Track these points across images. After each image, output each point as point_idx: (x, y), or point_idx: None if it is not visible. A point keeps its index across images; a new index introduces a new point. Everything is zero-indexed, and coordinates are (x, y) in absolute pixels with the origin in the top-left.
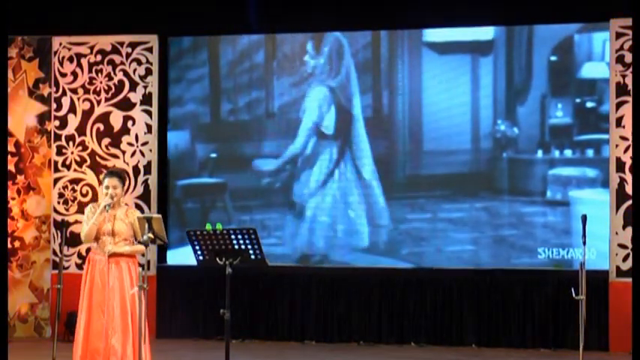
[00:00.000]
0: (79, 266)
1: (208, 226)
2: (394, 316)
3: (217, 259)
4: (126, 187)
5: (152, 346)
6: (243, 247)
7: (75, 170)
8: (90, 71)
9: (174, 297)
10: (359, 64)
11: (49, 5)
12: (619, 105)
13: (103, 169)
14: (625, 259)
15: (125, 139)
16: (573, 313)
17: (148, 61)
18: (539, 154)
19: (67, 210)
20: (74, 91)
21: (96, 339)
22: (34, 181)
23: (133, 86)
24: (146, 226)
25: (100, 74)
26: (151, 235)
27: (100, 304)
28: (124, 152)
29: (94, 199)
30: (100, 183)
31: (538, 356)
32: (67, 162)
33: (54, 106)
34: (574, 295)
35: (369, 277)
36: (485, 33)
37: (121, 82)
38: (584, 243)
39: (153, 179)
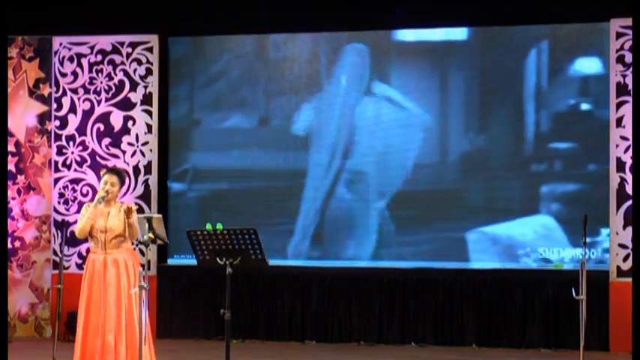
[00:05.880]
0: (80, 266)
1: (208, 226)
2: (394, 316)
3: (217, 259)
4: (126, 188)
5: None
6: (243, 247)
7: (75, 170)
8: (90, 71)
9: (174, 297)
10: None
11: (49, 5)
12: (619, 105)
13: (104, 169)
14: (625, 259)
15: (125, 139)
16: (573, 313)
17: (148, 61)
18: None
19: (67, 210)
20: (74, 91)
21: (93, 337)
22: (35, 181)
23: (133, 86)
24: (146, 226)
25: (100, 74)
26: (151, 234)
27: (97, 301)
28: (124, 152)
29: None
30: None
31: (538, 356)
32: (68, 162)
33: (54, 106)
34: (574, 295)
35: (369, 277)
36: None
37: (121, 82)
38: (585, 243)
39: (153, 179)
